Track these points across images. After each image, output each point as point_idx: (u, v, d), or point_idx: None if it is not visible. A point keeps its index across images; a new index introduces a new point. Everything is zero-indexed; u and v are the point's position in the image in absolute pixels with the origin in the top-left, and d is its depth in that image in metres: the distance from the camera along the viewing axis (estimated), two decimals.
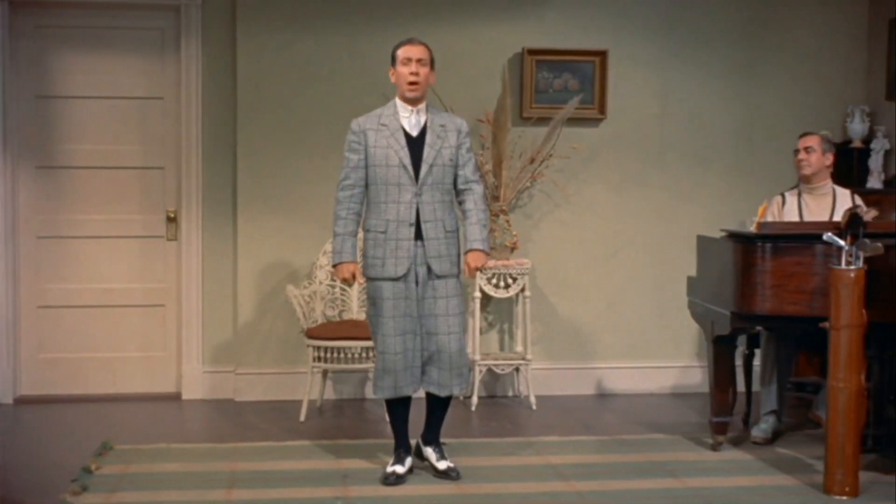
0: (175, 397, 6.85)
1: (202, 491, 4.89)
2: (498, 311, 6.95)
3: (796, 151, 5.90)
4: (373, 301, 5.05)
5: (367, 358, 6.09)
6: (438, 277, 4.97)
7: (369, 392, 6.71)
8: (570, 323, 7.01)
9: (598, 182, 7.00)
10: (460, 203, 5.10)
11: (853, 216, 4.93)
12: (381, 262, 4.97)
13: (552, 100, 6.84)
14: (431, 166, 4.96)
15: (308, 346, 6.23)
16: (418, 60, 4.95)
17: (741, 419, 6.09)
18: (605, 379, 7.04)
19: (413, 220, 4.95)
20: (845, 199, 5.84)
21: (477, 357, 6.61)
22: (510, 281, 6.64)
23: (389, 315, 4.97)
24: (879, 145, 6.97)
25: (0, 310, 6.63)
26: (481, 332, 6.77)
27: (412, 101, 4.99)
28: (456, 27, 6.80)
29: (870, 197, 6.64)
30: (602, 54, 6.87)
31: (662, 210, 7.05)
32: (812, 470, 5.21)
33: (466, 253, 5.08)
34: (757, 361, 6.12)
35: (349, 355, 6.14)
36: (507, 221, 6.67)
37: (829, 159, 5.89)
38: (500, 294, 6.66)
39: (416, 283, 4.98)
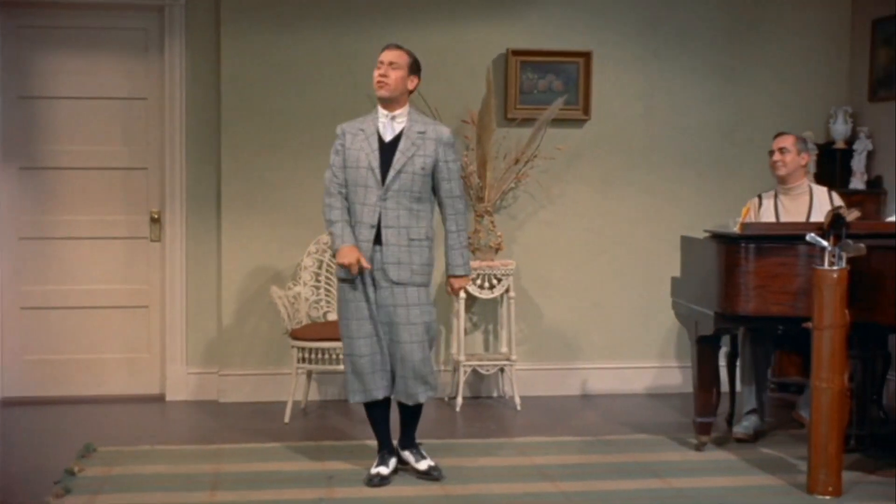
0: (159, 399, 6.82)
1: (186, 493, 4.87)
2: (482, 312, 6.95)
3: (771, 153, 5.92)
4: (339, 303, 5.09)
5: None
6: (397, 284, 4.97)
7: None
8: (554, 323, 7.02)
9: (583, 183, 7.01)
10: (443, 219, 5.11)
11: (836, 217, 4.95)
12: None
13: (536, 101, 6.85)
14: (399, 172, 4.95)
15: (292, 347, 6.22)
16: (389, 63, 4.98)
17: (725, 419, 6.10)
18: (590, 379, 7.04)
19: (375, 223, 4.95)
20: (823, 199, 5.85)
21: (462, 358, 6.61)
22: (495, 282, 6.64)
23: (354, 317, 5.00)
24: (862, 146, 6.99)
25: None
26: (466, 333, 6.77)
27: (387, 106, 5.01)
28: (440, 28, 6.80)
29: (852, 198, 6.68)
30: (586, 55, 6.88)
31: (646, 211, 7.07)
32: (795, 470, 5.23)
33: (448, 277, 5.16)
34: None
35: (334, 356, 6.13)
36: (492, 222, 6.67)
37: (805, 159, 5.92)
38: (485, 295, 6.66)
39: (374, 286, 4.99)
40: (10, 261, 6.73)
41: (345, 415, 6.45)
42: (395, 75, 4.97)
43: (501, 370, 6.81)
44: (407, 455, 5.19)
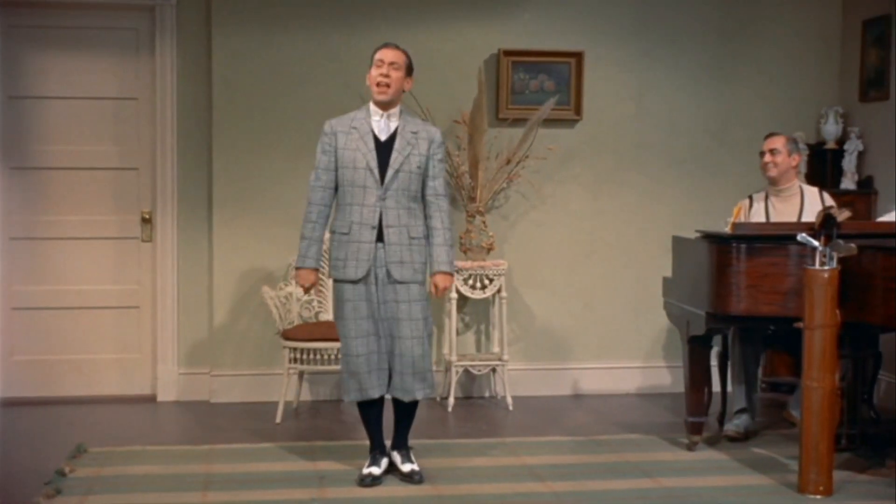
0: (150, 399, 6.81)
1: (177, 493, 4.86)
2: (474, 312, 6.95)
3: (762, 154, 5.92)
4: (337, 303, 5.08)
5: None
6: (399, 282, 4.97)
7: None
8: (546, 323, 7.02)
9: (574, 183, 7.01)
10: (427, 217, 5.09)
11: (827, 217, 4.96)
12: (343, 263, 4.99)
13: (528, 101, 6.85)
14: (398, 171, 4.96)
15: (284, 347, 6.21)
16: (391, 63, 4.95)
17: (716, 419, 6.11)
18: (582, 379, 7.05)
19: (376, 223, 4.95)
20: (814, 199, 5.86)
21: (453, 358, 6.61)
22: (486, 282, 6.64)
23: (351, 317, 4.99)
24: (853, 146, 7.00)
25: None
26: (458, 333, 6.77)
27: (383, 105, 4.99)
28: (432, 28, 6.79)
29: (843, 198, 6.69)
30: (578, 55, 6.88)
31: (638, 211, 7.07)
32: (786, 469, 5.24)
33: (433, 275, 5.10)
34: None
35: (325, 357, 6.13)
36: (484, 222, 6.67)
37: (796, 160, 5.91)
38: (477, 295, 6.66)
39: (376, 285, 4.99)
40: (0, 261, 6.71)
41: (336, 415, 6.45)
42: (395, 76, 4.96)
43: (493, 370, 6.81)
44: (395, 455, 5.17)
